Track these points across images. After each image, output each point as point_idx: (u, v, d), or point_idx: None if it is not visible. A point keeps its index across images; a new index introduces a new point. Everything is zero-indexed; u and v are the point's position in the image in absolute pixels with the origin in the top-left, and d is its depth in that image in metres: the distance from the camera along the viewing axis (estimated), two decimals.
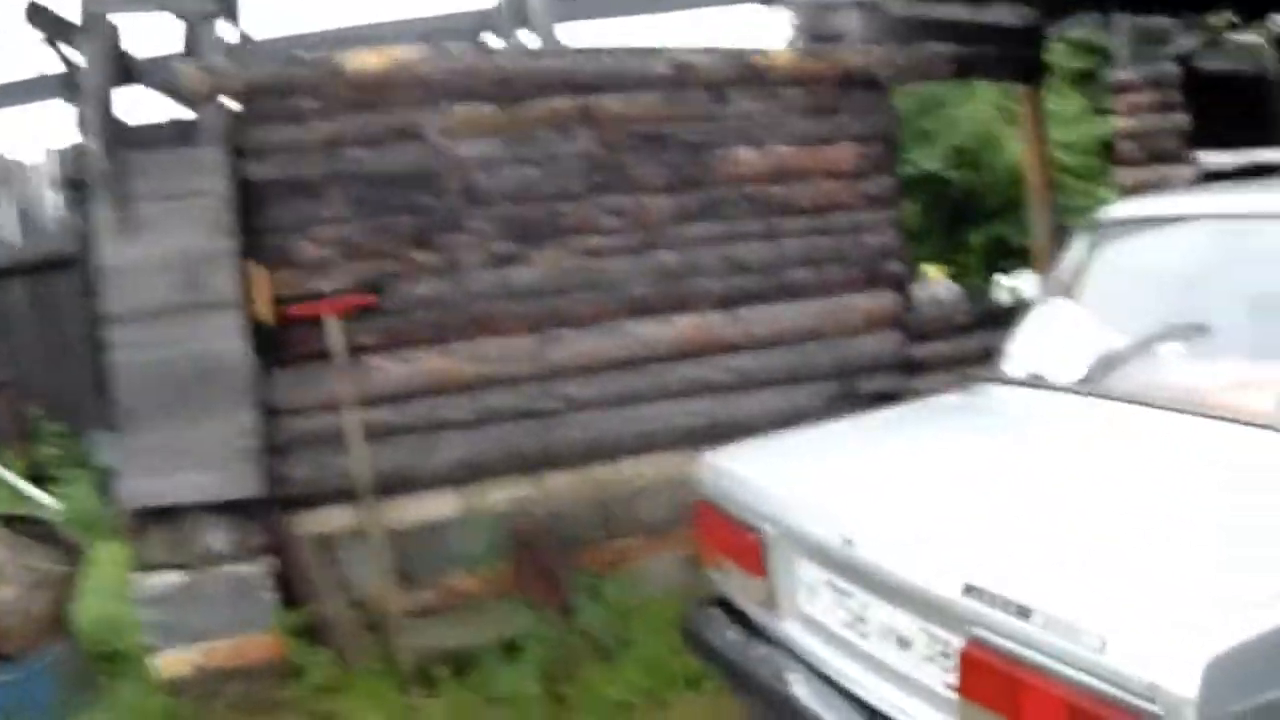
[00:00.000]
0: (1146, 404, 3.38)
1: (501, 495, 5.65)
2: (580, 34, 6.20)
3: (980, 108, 12.66)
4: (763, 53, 6.18)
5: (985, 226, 13.11)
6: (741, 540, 3.47)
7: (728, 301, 6.12)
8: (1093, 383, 3.64)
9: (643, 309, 5.95)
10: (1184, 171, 6.96)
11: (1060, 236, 7.60)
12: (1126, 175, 7.35)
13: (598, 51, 5.94)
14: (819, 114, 6.30)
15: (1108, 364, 3.66)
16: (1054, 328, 4.07)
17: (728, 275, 6.13)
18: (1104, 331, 3.81)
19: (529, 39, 6.94)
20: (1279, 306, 3.39)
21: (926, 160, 13.85)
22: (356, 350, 5.44)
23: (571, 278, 5.82)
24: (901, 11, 6.65)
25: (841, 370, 6.35)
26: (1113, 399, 3.51)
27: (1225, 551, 2.50)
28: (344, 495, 5.38)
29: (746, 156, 6.14)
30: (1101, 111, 11.42)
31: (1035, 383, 3.86)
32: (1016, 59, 7.29)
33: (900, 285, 6.66)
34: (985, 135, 12.58)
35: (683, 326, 6.01)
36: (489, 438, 5.67)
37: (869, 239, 6.49)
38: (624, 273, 5.92)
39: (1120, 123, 7.32)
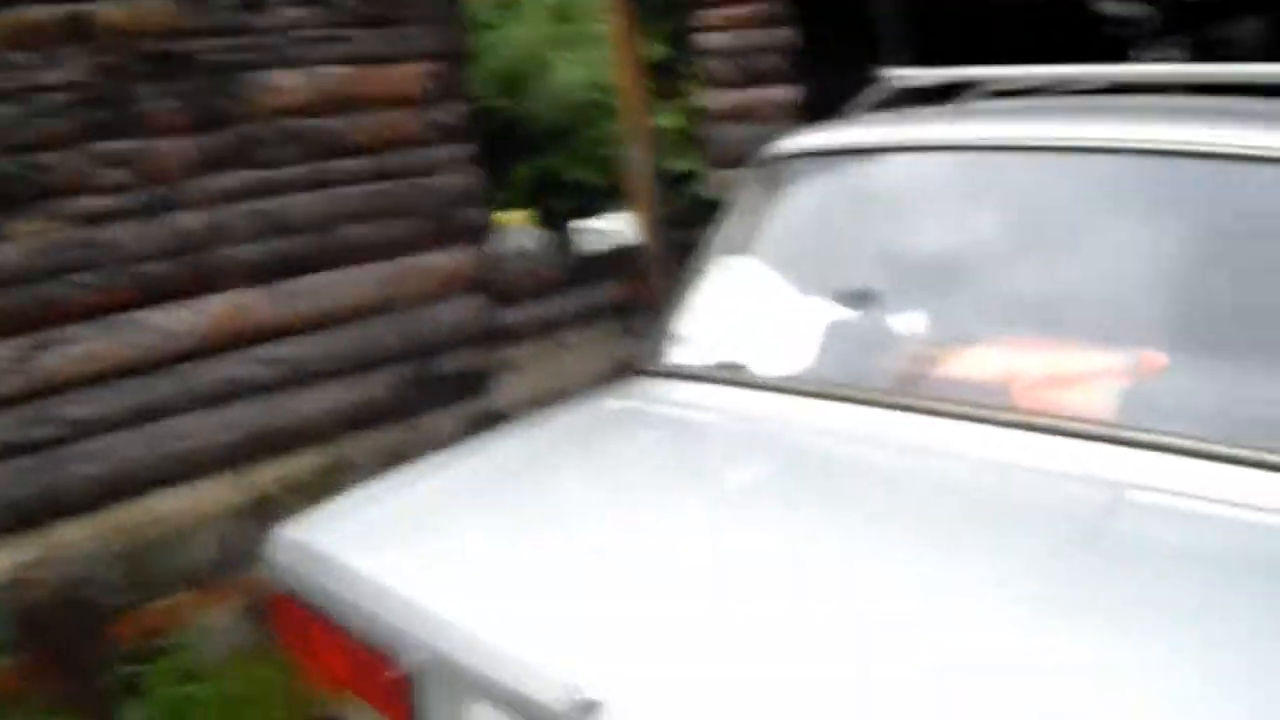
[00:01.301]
0: (924, 409, 2.41)
1: None
2: None
3: (526, 30, 11.67)
4: None
5: (531, 160, 12.12)
6: (367, 670, 2.22)
7: (269, 273, 5.03)
8: (824, 377, 2.65)
9: (161, 291, 4.73)
10: (784, 93, 6.23)
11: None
12: (721, 98, 6.58)
13: None
14: (379, 24, 5.23)
15: (835, 350, 2.70)
16: (739, 298, 3.06)
17: (268, 238, 5.03)
18: (815, 303, 2.84)
19: None
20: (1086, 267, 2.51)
21: None
22: None
23: (64, 255, 4.49)
24: None
25: (417, 348, 5.45)
26: (866, 403, 2.52)
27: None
28: None
29: (288, 81, 5.01)
30: (648, 33, 10.65)
31: (733, 378, 2.81)
32: None
33: (480, 237, 5.76)
34: (532, 59, 11.60)
35: (214, 310, 4.86)
36: None
37: (441, 181, 5.53)
38: (134, 244, 4.66)
39: (712, 39, 6.52)
